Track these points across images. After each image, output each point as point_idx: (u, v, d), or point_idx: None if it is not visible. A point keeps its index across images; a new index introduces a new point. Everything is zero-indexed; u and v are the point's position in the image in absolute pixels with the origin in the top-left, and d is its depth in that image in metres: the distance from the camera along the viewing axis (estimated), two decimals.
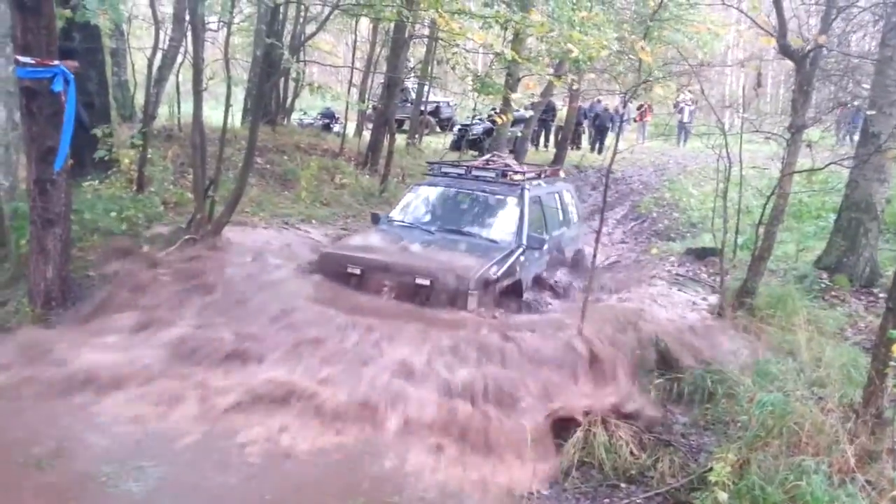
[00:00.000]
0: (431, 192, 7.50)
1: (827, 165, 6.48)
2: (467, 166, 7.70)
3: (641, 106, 19.66)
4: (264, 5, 7.42)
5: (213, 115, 9.72)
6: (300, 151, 12.58)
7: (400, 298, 5.79)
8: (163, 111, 11.19)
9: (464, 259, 6.11)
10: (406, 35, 12.36)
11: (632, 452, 3.90)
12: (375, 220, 7.32)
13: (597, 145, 20.36)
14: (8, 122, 5.63)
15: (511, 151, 15.64)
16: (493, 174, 7.36)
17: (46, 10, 4.63)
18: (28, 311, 4.96)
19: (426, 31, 13.66)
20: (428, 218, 7.17)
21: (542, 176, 7.88)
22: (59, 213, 4.90)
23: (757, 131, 7.05)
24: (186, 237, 6.65)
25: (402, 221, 7.13)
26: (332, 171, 11.84)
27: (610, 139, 19.57)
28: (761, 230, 6.23)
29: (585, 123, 20.60)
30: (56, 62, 4.68)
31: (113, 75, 11.73)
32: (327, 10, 8.82)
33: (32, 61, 4.59)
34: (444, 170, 7.82)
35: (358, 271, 5.97)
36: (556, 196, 8.00)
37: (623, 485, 3.78)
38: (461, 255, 6.22)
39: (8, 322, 4.89)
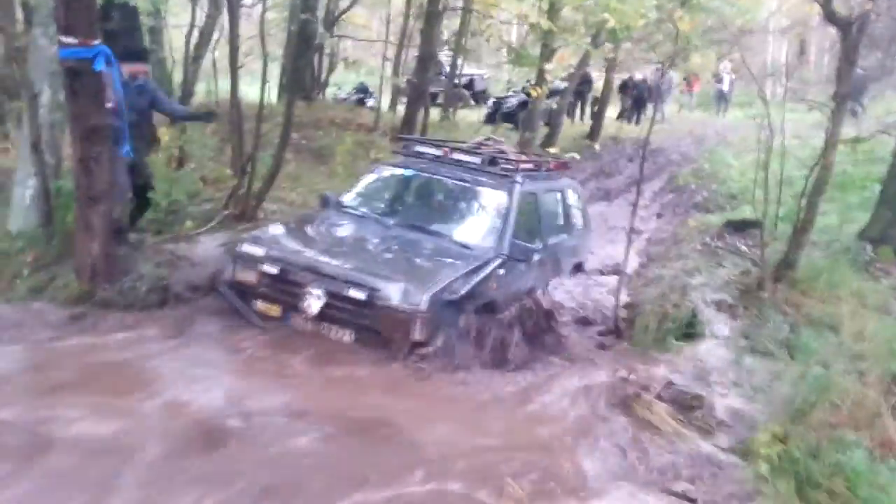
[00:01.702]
0: (398, 176, 6.16)
1: (873, 135, 6.31)
2: (448, 147, 6.26)
3: (688, 76, 19.27)
4: None
5: (249, 91, 9.80)
6: (335, 126, 12.64)
7: (326, 317, 4.53)
8: (200, 88, 11.33)
9: (418, 268, 4.85)
10: (440, 7, 12.26)
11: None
12: (324, 203, 5.87)
13: (634, 117, 20.06)
14: (52, 101, 5.74)
15: (546, 124, 15.51)
16: (478, 160, 6.00)
17: None
18: (75, 285, 5.10)
19: (460, 3, 13.53)
20: (387, 208, 5.88)
21: (543, 168, 6.59)
22: (103, 191, 5.00)
23: (801, 100, 6.88)
24: (226, 213, 6.78)
25: (354, 209, 5.78)
26: (367, 145, 11.88)
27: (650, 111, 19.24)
28: (803, 202, 6.11)
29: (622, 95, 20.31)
30: (97, 42, 4.76)
31: (151, 53, 11.87)
32: None
33: (74, 41, 4.67)
34: (417, 149, 6.30)
35: (275, 271, 4.67)
36: (558, 195, 6.74)
37: None
38: (417, 261, 4.97)
39: (57, 296, 5.05)
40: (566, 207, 6.82)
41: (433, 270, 4.78)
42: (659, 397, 4.12)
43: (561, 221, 6.69)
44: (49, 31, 5.45)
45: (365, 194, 6.01)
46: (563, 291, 6.32)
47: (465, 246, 5.24)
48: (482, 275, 4.89)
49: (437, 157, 6.09)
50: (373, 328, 4.46)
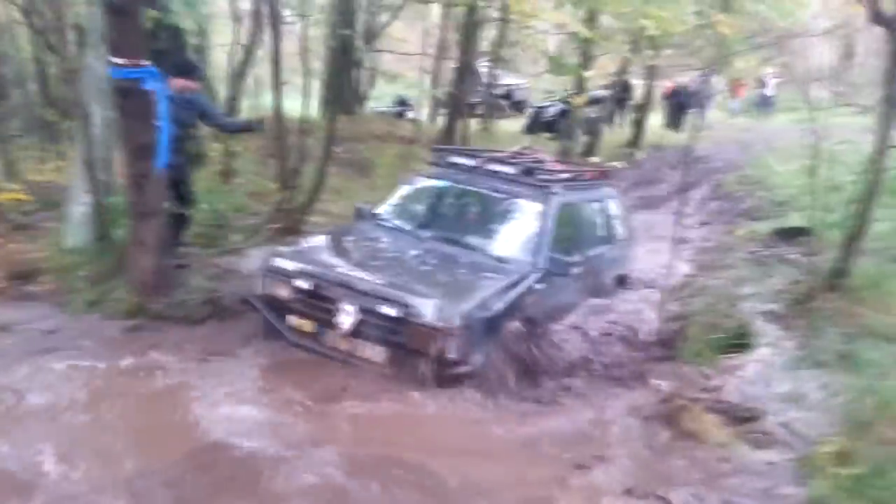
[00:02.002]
0: (432, 187, 6.05)
1: None
2: (484, 157, 6.10)
3: (735, 81, 18.94)
4: None
5: (291, 106, 9.96)
6: (376, 139, 12.74)
7: (359, 334, 4.44)
8: (244, 105, 11.54)
9: (453, 283, 4.73)
10: (478, 18, 12.30)
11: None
12: (359, 215, 5.83)
13: (676, 124, 19.79)
14: (104, 120, 5.92)
15: (586, 133, 15.41)
16: (514, 170, 5.79)
17: (136, 12, 4.84)
18: (129, 299, 5.23)
19: (498, 14, 13.55)
20: (422, 220, 5.78)
21: (582, 178, 6.40)
22: (155, 207, 5.13)
23: (848, 104, 6.71)
24: (271, 226, 6.89)
25: (388, 222, 5.69)
26: (408, 157, 11.93)
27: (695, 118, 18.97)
28: (855, 208, 5.94)
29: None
30: (146, 62, 4.89)
31: (200, 69, 12.15)
32: None
33: (124, 62, 4.81)
34: (452, 159, 6.12)
35: (308, 286, 4.59)
36: (598, 205, 6.56)
37: None
38: (451, 276, 4.85)
39: (112, 310, 5.18)
40: (607, 217, 6.62)
41: (468, 286, 4.67)
42: (709, 409, 4.04)
43: (602, 232, 6.50)
44: (100, 53, 5.63)
45: (399, 206, 5.91)
46: (608, 304, 6.25)
47: (501, 260, 5.10)
48: (518, 290, 4.72)
49: (473, 167, 5.93)
50: (406, 346, 4.33)
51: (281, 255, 4.96)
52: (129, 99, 4.89)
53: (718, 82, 18.87)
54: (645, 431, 3.97)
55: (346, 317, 4.42)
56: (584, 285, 5.87)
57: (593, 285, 6.12)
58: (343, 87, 13.67)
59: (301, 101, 7.46)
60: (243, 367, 4.51)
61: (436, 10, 17.17)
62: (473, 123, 15.07)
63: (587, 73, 11.75)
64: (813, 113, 5.88)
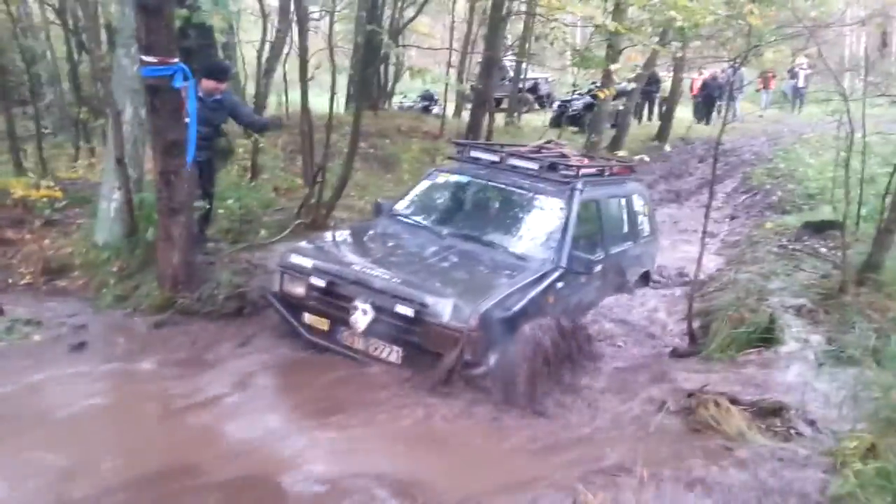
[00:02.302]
0: (452, 182, 5.94)
1: None
2: (505, 152, 5.93)
3: (765, 72, 18.65)
4: None
5: (318, 102, 10.03)
6: (401, 134, 12.80)
7: (374, 333, 4.35)
8: (272, 100, 11.66)
9: (470, 281, 4.59)
10: (504, 12, 12.26)
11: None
12: (378, 210, 5.75)
13: (704, 116, 19.58)
14: (134, 118, 6.02)
15: (613, 126, 15.30)
16: (536, 166, 5.66)
17: (167, 11, 4.91)
18: (158, 294, 5.32)
19: (524, 7, 13.50)
20: (441, 216, 5.68)
21: (606, 173, 6.30)
22: (184, 203, 5.21)
23: (882, 95, 6.58)
24: (297, 222, 6.95)
25: (408, 218, 5.58)
26: (433, 152, 11.98)
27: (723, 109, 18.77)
28: (888, 200, 5.83)
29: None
30: (175, 60, 4.96)
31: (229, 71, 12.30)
32: None
33: (155, 60, 4.88)
34: (473, 153, 6.00)
35: (323, 283, 4.51)
36: (622, 201, 6.37)
37: None
38: (468, 274, 4.71)
39: (141, 304, 5.28)
40: (631, 214, 6.46)
41: (486, 285, 4.52)
42: (734, 402, 4.00)
43: (625, 229, 6.33)
44: (131, 52, 5.72)
45: (419, 202, 5.79)
46: (632, 300, 6.22)
47: (520, 257, 4.97)
48: (538, 289, 4.61)
49: (494, 162, 5.80)
50: (422, 346, 4.23)
51: (297, 251, 4.90)
52: (160, 96, 4.97)
53: (748, 74, 18.60)
54: (669, 425, 3.94)
55: (361, 315, 4.34)
56: (606, 283, 5.76)
57: (616, 283, 6.03)
58: (369, 83, 13.72)
59: (328, 97, 7.50)
60: (260, 365, 4.52)
61: (461, 5, 17.18)
62: (499, 118, 15.04)
63: (614, 67, 11.65)
64: (846, 104, 5.77)
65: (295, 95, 8.77)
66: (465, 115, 14.68)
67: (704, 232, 5.48)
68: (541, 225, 5.36)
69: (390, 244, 5.20)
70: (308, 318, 4.67)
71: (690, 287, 5.64)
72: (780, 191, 11.18)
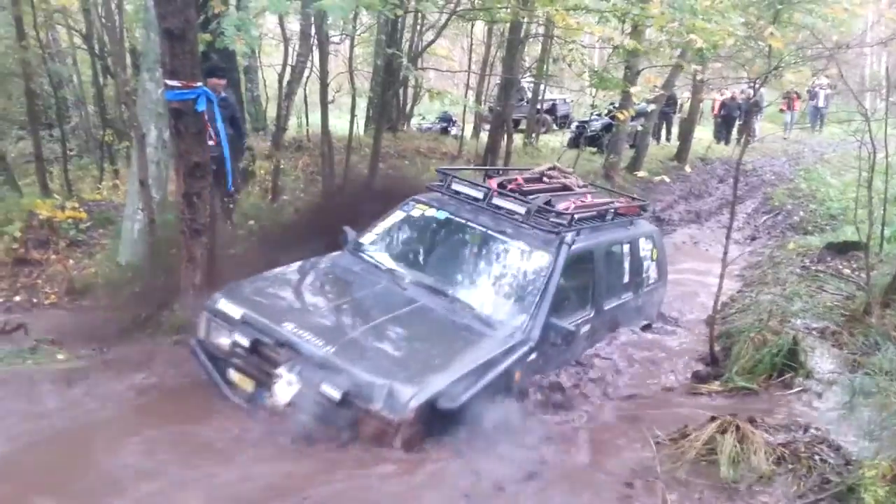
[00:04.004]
0: (428, 218, 5.14)
1: None
2: (491, 191, 5.14)
3: (788, 94, 18.54)
4: (384, 17, 7.71)
5: (338, 124, 10.15)
6: (420, 156, 12.86)
7: (297, 407, 3.69)
8: (292, 123, 11.79)
9: (418, 356, 3.95)
10: (521, 35, 12.35)
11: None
12: (344, 240, 5.12)
13: (724, 136, 19.52)
14: (158, 140, 6.13)
15: (632, 146, 15.28)
16: (523, 209, 4.88)
17: (191, 36, 5.00)
18: (179, 314, 5.37)
19: (541, 30, 13.59)
20: (408, 258, 5.02)
21: (610, 215, 5.50)
22: (206, 224, 5.28)
23: None
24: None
25: (371, 256, 4.94)
26: None
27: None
28: None
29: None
30: (199, 84, 5.05)
31: (246, 91, 12.49)
32: (444, 17, 8.98)
33: (179, 84, 4.97)
34: (456, 187, 5.22)
35: (247, 342, 3.91)
36: (625, 248, 5.67)
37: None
38: (419, 344, 4.08)
39: (163, 325, 5.33)
40: (635, 261, 5.76)
41: (436, 362, 3.86)
42: (752, 422, 3.94)
43: (625, 279, 5.64)
44: (155, 76, 5.84)
45: (387, 236, 5.15)
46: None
47: (487, 323, 4.33)
48: (500, 368, 3.97)
49: (477, 199, 5.09)
50: (350, 431, 3.63)
51: (228, 294, 4.28)
52: (183, 120, 5.05)
53: (768, 94, 18.53)
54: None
55: (286, 386, 3.75)
56: (593, 342, 5.16)
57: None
58: (388, 105, 13.85)
59: (348, 119, 7.58)
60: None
61: (480, 28, 17.31)
62: (517, 138, 15.08)
63: (633, 89, 11.65)
64: (868, 124, 5.73)
65: (315, 118, 8.87)
66: (484, 136, 14.75)
67: (725, 254, 5.43)
68: (518, 282, 4.66)
69: (339, 293, 4.59)
70: (233, 374, 4.08)
71: (713, 309, 5.58)
72: (802, 211, 11.10)
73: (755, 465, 3.59)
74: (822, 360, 4.95)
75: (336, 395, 3.58)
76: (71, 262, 6.26)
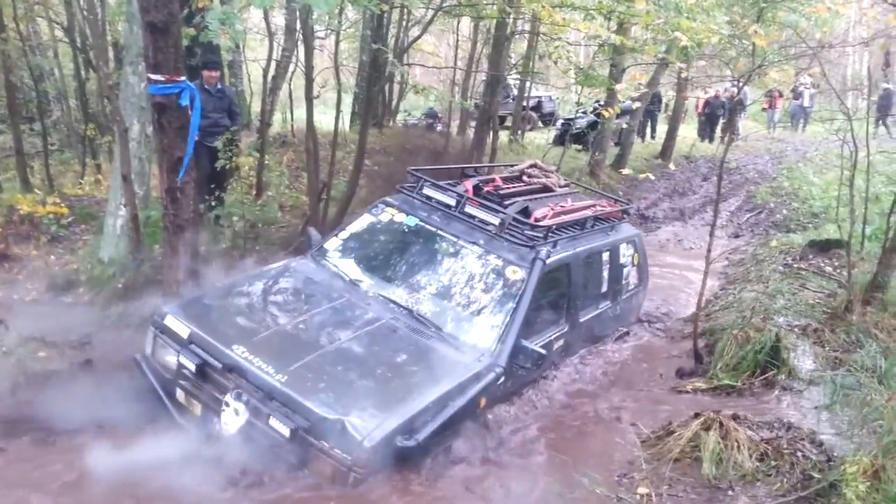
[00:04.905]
0: (397, 224, 4.85)
1: None
2: (463, 197, 4.82)
3: (770, 92, 18.67)
4: (370, 12, 7.66)
5: (323, 119, 10.11)
6: (406, 152, 12.82)
7: (244, 438, 3.46)
8: (277, 118, 11.74)
9: (376, 384, 3.64)
10: (507, 31, 12.34)
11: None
12: (308, 242, 4.96)
13: (707, 134, 19.63)
14: (141, 135, 6.07)
15: (617, 143, 15.33)
16: (497, 220, 4.59)
17: (174, 30, 4.94)
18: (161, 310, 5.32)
19: (528, 27, 13.58)
20: (373, 266, 4.68)
21: (590, 223, 5.23)
22: (188, 219, 5.22)
23: (885, 115, 6.58)
24: (303, 238, 6.96)
25: (334, 263, 4.68)
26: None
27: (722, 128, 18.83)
28: (892, 219, 5.83)
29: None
30: (182, 78, 5.00)
31: (230, 85, 12.39)
32: (430, 13, 8.95)
33: (162, 78, 4.92)
34: (427, 191, 4.96)
35: (193, 366, 3.65)
36: (605, 255, 5.39)
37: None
38: (379, 370, 3.75)
39: (147, 320, 5.27)
40: (614, 269, 5.53)
41: (395, 394, 3.58)
42: (735, 419, 3.96)
43: (603, 288, 5.43)
44: (138, 70, 5.77)
45: (353, 242, 4.90)
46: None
47: (453, 344, 4.06)
48: (464, 399, 3.67)
49: (449, 206, 4.81)
50: (300, 467, 3.39)
51: (176, 311, 4.00)
52: (167, 114, 4.99)
53: (752, 93, 18.66)
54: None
55: (233, 415, 3.51)
56: (566, 355, 5.02)
57: (582, 350, 5.28)
58: (374, 101, 13.80)
59: (333, 115, 7.54)
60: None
61: (466, 24, 17.29)
62: (503, 135, 15.09)
63: (618, 87, 11.68)
64: (850, 123, 5.78)
65: (300, 113, 8.82)
66: (470, 132, 14.73)
67: (709, 251, 5.47)
68: (488, 299, 4.37)
69: (297, 310, 4.22)
70: (181, 395, 3.83)
71: (696, 307, 5.62)
72: (785, 209, 11.20)
73: (738, 462, 3.62)
74: (805, 358, 5.00)
75: (285, 431, 3.33)
76: (52, 257, 6.18)
